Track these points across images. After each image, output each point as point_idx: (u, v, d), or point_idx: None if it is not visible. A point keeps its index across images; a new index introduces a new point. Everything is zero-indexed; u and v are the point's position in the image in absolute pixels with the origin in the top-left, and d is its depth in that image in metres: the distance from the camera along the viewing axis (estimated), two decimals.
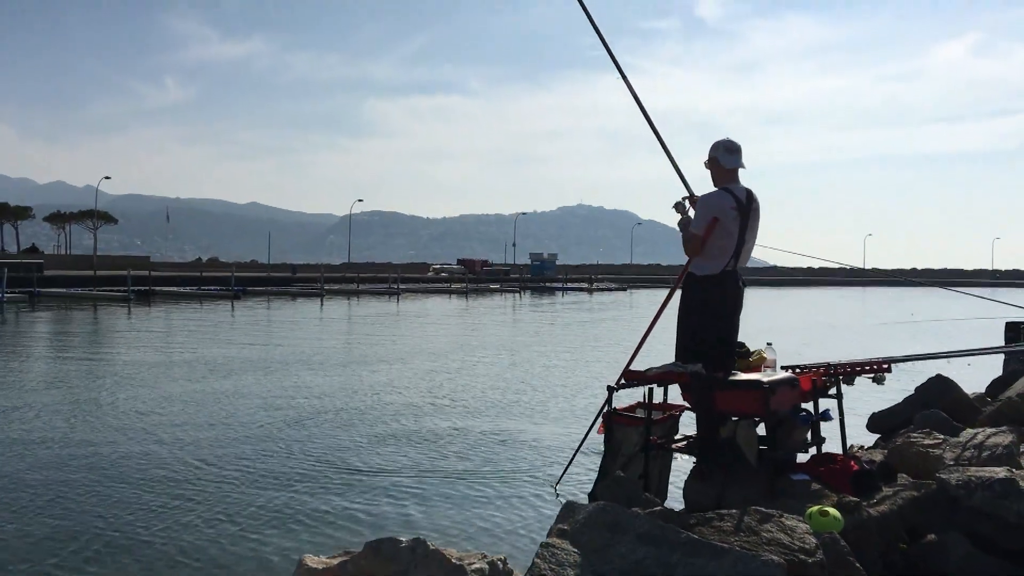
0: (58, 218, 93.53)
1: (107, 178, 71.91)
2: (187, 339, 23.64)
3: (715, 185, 5.57)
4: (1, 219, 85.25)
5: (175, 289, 53.87)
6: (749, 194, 5.50)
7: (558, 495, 7.08)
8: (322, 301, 49.38)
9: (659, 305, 5.96)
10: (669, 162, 6.13)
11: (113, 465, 8.34)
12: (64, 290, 48.78)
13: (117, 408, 11.70)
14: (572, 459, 7.41)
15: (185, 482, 7.70)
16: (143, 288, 50.34)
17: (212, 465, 8.35)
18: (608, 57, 6.19)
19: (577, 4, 6.15)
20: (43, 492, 7.36)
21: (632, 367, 5.73)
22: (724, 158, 5.52)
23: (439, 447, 9.29)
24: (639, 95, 6.11)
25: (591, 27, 6.24)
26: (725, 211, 5.37)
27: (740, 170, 5.54)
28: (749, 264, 5.86)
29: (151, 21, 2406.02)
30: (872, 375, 5.95)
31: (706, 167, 5.61)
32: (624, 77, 6.16)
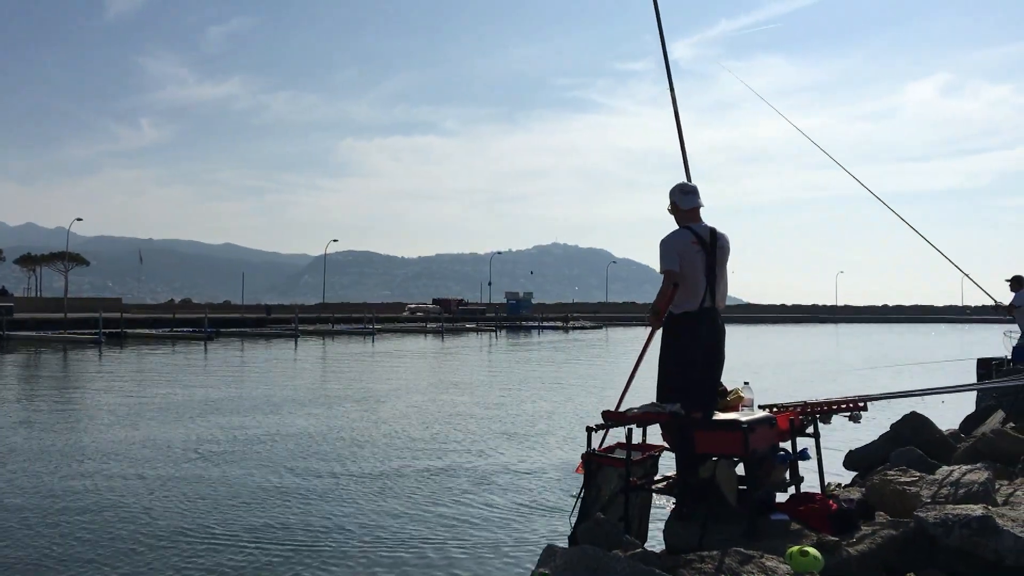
0: (28, 260, 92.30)
1: (79, 220, 71.27)
2: (157, 382, 23.31)
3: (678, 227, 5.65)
4: None
5: (147, 331, 53.23)
6: (713, 232, 5.57)
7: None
8: (296, 342, 49.02)
9: (641, 344, 5.95)
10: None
11: (71, 512, 8.16)
12: (34, 333, 48.05)
13: (74, 455, 11.46)
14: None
15: (145, 545, 7.26)
16: (115, 330, 49.66)
17: (179, 524, 8.00)
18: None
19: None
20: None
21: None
22: (681, 200, 5.65)
23: (419, 492, 9.19)
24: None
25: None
26: (687, 246, 5.44)
27: (701, 209, 5.64)
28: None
29: (127, 63, 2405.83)
30: (848, 413, 5.98)
31: (669, 212, 5.72)
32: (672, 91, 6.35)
